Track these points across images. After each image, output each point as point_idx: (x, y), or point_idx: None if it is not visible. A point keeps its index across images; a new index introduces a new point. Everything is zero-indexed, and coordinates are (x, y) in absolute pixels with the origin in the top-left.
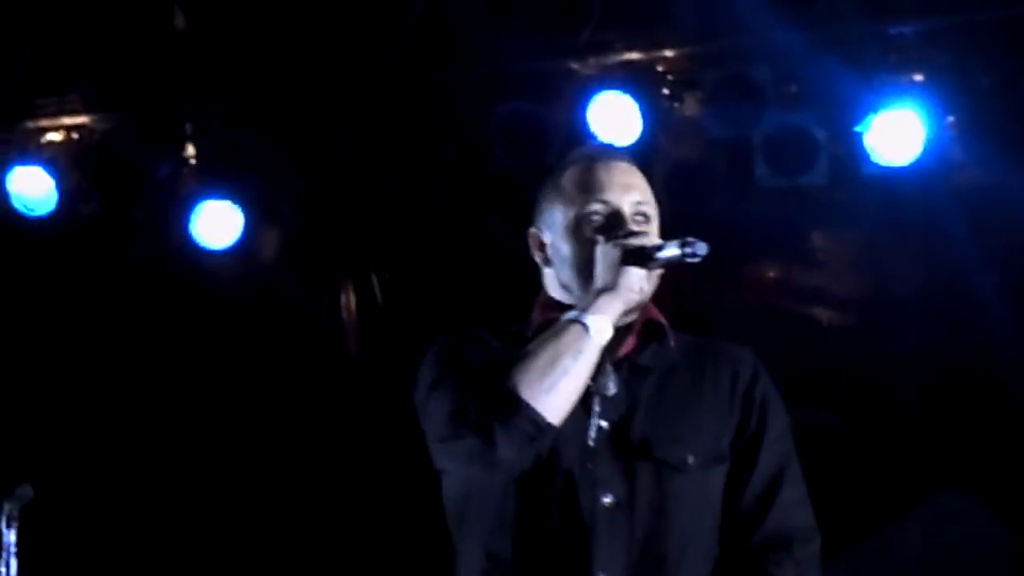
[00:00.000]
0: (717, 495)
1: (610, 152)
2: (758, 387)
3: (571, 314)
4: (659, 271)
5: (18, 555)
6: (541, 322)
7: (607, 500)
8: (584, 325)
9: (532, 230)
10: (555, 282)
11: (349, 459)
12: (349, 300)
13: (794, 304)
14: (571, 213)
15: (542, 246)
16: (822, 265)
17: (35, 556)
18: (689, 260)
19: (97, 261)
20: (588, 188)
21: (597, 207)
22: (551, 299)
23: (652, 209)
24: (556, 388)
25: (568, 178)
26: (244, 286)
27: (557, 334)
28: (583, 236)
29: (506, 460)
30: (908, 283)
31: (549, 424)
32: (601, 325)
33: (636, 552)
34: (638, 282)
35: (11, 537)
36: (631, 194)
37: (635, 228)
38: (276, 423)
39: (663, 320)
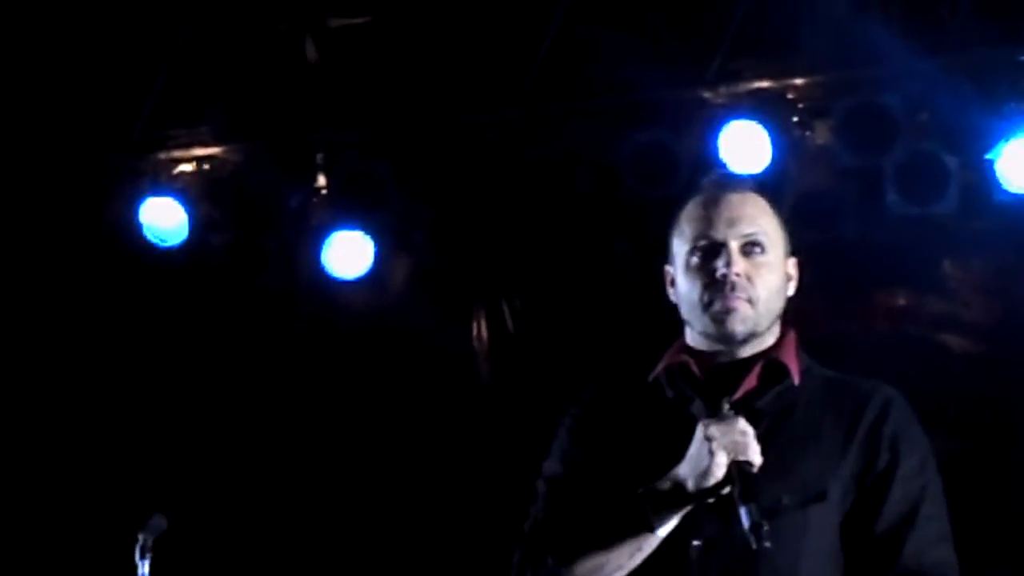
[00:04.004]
0: (827, 532)
1: (725, 184)
2: (888, 424)
3: (651, 518)
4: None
5: None
6: (662, 371)
7: (696, 543)
8: (653, 529)
9: (667, 267)
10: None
11: (481, 488)
12: (480, 329)
13: (924, 331)
14: (684, 249)
15: (673, 282)
16: (952, 292)
17: None
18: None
19: (229, 291)
20: (696, 224)
21: (702, 243)
22: (683, 344)
23: (767, 237)
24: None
25: (685, 214)
26: (375, 316)
27: (623, 534)
28: (691, 273)
29: None
30: None
31: None
32: (670, 522)
33: None
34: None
35: (145, 569)
36: (738, 226)
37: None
38: (407, 453)
39: (789, 361)
